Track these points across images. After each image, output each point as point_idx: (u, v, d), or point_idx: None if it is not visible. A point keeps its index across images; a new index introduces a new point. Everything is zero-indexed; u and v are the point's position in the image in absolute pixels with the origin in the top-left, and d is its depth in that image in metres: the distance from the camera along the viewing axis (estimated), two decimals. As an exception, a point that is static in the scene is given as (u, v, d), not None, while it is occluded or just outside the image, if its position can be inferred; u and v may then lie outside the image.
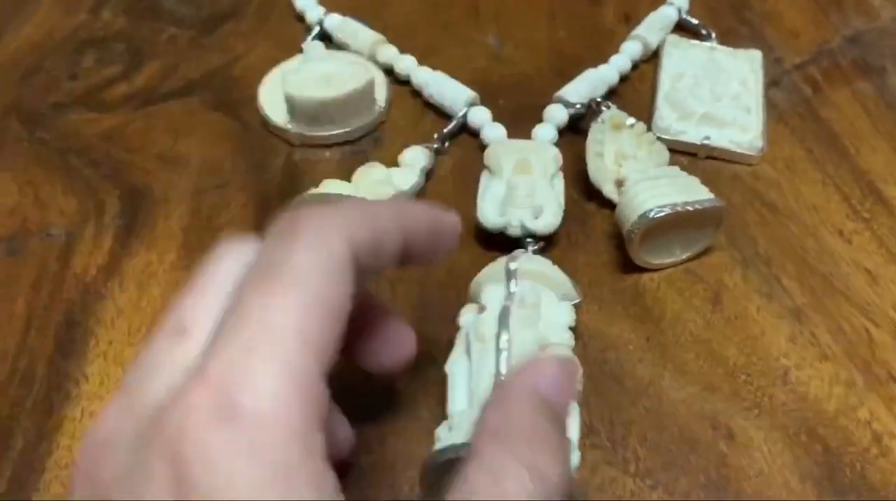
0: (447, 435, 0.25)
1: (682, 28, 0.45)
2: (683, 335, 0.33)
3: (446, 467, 0.25)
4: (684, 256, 0.35)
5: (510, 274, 0.29)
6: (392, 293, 0.34)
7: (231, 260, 0.23)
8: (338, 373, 0.31)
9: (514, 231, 0.34)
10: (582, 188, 0.38)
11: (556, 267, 0.31)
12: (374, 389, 0.31)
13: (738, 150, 0.39)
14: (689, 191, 0.33)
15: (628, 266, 0.35)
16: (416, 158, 0.37)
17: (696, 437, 0.30)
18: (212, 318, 0.21)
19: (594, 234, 0.36)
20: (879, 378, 0.31)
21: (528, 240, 0.34)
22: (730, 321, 0.33)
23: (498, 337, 0.27)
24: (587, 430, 0.30)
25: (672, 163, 0.38)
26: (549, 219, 0.34)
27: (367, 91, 0.39)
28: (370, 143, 0.40)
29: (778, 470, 0.29)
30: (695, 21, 0.45)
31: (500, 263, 0.30)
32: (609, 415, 0.30)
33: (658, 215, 0.32)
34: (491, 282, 0.30)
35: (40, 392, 0.31)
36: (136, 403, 0.20)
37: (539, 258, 0.32)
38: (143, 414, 0.19)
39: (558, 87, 0.41)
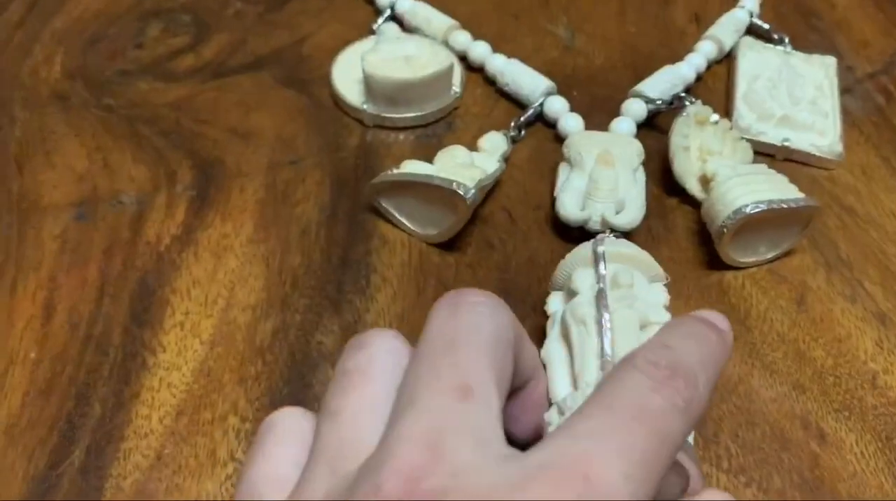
0: (559, 420, 0.25)
1: (752, 32, 0.45)
2: (770, 334, 0.32)
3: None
4: (769, 255, 0.34)
5: (598, 257, 0.29)
6: (474, 276, 0.33)
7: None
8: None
9: (595, 225, 0.33)
10: (662, 183, 0.37)
11: (642, 250, 0.31)
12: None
13: (818, 154, 0.38)
14: (782, 189, 0.33)
15: (712, 263, 0.34)
16: (496, 144, 0.37)
17: (788, 436, 0.29)
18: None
19: (676, 230, 0.36)
20: (968, 386, 0.31)
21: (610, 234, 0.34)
22: (815, 322, 0.33)
23: (599, 317, 0.26)
24: (678, 424, 0.29)
25: (754, 163, 0.37)
26: (632, 214, 0.33)
27: (447, 75, 0.38)
28: (444, 128, 0.39)
29: (872, 473, 0.28)
30: (766, 25, 0.45)
31: (586, 247, 0.30)
32: (699, 410, 0.30)
33: (754, 211, 0.31)
34: (580, 267, 0.29)
35: (117, 360, 0.30)
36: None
37: (625, 241, 0.32)
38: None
39: (632, 82, 0.40)
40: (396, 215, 0.35)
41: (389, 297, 0.32)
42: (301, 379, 0.30)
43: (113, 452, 0.28)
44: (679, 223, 0.36)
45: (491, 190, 0.36)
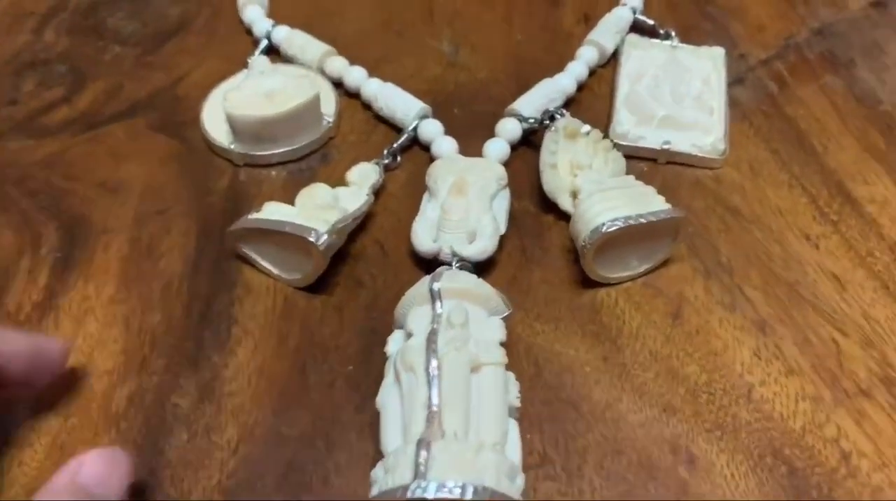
0: (383, 478, 0.24)
1: (637, 29, 0.44)
2: (642, 353, 0.31)
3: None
4: (642, 269, 0.33)
5: (434, 295, 0.28)
6: (339, 318, 0.32)
7: None
8: (284, 411, 0.30)
9: (447, 257, 0.32)
10: (539, 201, 0.36)
11: (481, 282, 0.30)
12: (317, 425, 0.29)
13: (700, 154, 0.37)
14: (644, 203, 0.32)
15: (586, 281, 0.33)
16: (364, 176, 0.36)
17: (656, 463, 0.28)
18: None
19: (551, 249, 0.35)
20: (847, 391, 0.30)
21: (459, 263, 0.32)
22: (691, 336, 0.32)
23: (427, 364, 0.26)
24: (540, 459, 0.28)
25: (631, 169, 0.36)
26: (482, 243, 0.32)
27: (313, 106, 0.37)
28: (318, 160, 0.39)
29: (741, 496, 0.27)
30: (651, 21, 0.44)
31: (423, 284, 0.29)
32: (564, 443, 0.29)
33: (610, 229, 0.30)
34: (415, 306, 0.28)
35: (-31, 440, 0.30)
36: None
37: (463, 274, 0.30)
38: None
39: (516, 94, 0.39)
40: (260, 261, 0.34)
41: (250, 350, 0.32)
42: (154, 445, 0.29)
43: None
44: (555, 241, 0.35)
45: (363, 222, 0.35)
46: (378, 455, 0.28)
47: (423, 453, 0.23)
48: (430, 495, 0.22)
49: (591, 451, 0.29)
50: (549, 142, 0.35)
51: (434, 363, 0.25)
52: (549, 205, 0.36)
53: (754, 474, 0.28)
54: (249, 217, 0.33)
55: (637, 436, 0.29)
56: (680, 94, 0.39)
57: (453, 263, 0.32)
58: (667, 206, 0.32)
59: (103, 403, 0.30)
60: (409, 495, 0.22)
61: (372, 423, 0.29)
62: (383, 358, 0.30)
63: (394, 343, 0.29)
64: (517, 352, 0.31)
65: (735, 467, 0.28)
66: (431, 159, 0.38)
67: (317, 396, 0.30)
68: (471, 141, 0.38)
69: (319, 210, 0.33)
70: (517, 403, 0.27)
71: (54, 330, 0.32)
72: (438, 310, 0.28)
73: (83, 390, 0.31)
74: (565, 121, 0.36)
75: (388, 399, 0.27)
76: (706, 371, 0.31)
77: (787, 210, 0.36)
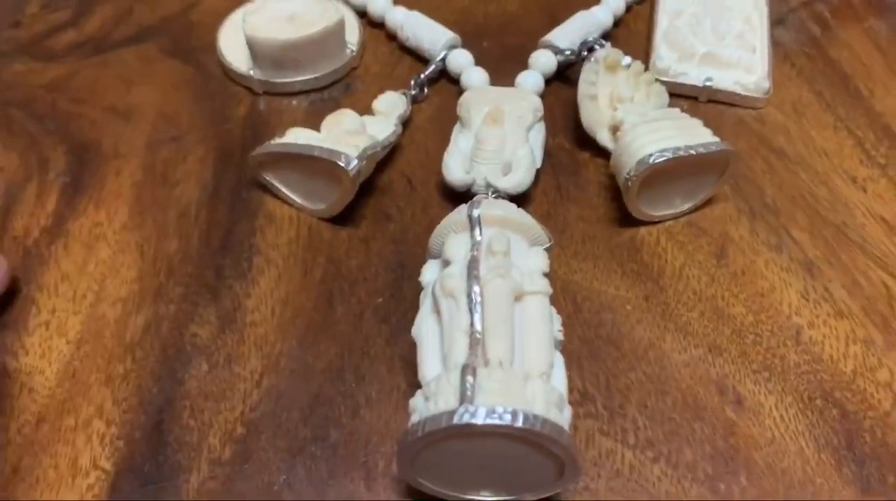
0: (424, 406, 0.23)
1: (679, -36, 0.42)
2: (686, 293, 0.30)
3: (424, 441, 0.22)
4: (685, 207, 0.32)
5: (474, 222, 0.26)
6: (366, 251, 0.31)
7: None
8: (311, 342, 0.28)
9: (480, 189, 0.31)
10: (574, 136, 0.35)
11: (522, 211, 0.28)
12: (345, 357, 0.28)
13: (743, 93, 0.36)
14: (693, 135, 0.30)
15: (625, 219, 0.32)
16: (391, 106, 0.34)
17: (702, 403, 0.27)
18: None
19: (588, 187, 0.33)
20: (900, 335, 0.29)
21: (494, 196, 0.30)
22: (736, 276, 0.30)
23: (469, 290, 0.24)
24: (580, 397, 0.27)
25: (671, 106, 0.34)
26: (519, 176, 0.31)
27: (337, 32, 0.35)
28: (341, 91, 0.37)
29: (791, 438, 0.26)
30: (692, -44, 0.42)
31: (461, 212, 0.27)
32: (605, 381, 0.27)
33: (658, 160, 0.29)
34: (453, 233, 0.27)
35: (-25, 366, 0.28)
36: None
37: (503, 202, 0.29)
38: None
39: (548, 28, 0.37)
40: (283, 189, 0.32)
41: (273, 280, 0.30)
42: (173, 375, 0.27)
43: (-33, 473, 0.26)
44: (592, 178, 0.33)
45: (389, 155, 0.34)
46: (411, 388, 0.27)
47: (469, 378, 0.22)
48: (479, 420, 0.21)
49: (633, 390, 0.27)
50: (588, 72, 0.33)
51: (476, 289, 0.24)
52: (585, 142, 0.34)
53: (804, 416, 0.27)
54: (273, 142, 0.31)
55: (682, 376, 0.28)
56: (721, 32, 0.37)
57: (488, 195, 0.30)
58: (716, 139, 0.30)
59: (117, 331, 0.29)
60: (455, 420, 0.21)
61: (403, 356, 0.28)
62: (413, 292, 0.29)
63: (429, 272, 0.27)
64: (555, 290, 0.29)
65: (784, 409, 0.27)
66: (460, 92, 0.36)
67: (345, 328, 0.29)
68: (501, 74, 0.36)
69: (348, 135, 0.31)
70: (560, 336, 0.26)
71: (64, 255, 0.31)
72: (478, 238, 0.26)
73: (95, 317, 0.29)
74: (606, 52, 0.34)
75: (425, 328, 0.25)
76: (752, 311, 0.29)
77: (833, 152, 0.34)
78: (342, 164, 0.29)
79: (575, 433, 0.26)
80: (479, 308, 0.23)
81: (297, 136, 0.31)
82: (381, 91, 0.35)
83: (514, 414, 0.21)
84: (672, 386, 0.27)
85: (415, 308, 0.28)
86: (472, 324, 0.23)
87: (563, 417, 0.23)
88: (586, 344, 0.28)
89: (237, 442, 0.26)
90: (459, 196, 0.32)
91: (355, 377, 0.27)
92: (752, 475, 0.25)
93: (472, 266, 0.25)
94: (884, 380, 0.28)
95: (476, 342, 0.23)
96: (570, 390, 0.27)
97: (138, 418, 0.26)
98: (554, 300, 0.29)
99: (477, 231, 0.26)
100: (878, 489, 0.25)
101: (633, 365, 0.28)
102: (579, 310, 0.29)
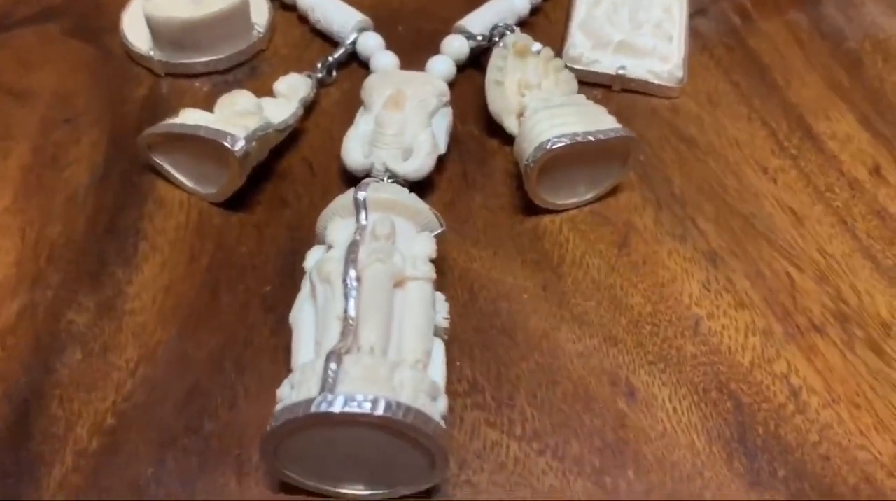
0: (289, 394, 0.22)
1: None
2: (584, 282, 0.29)
3: (283, 430, 0.21)
4: (589, 195, 0.31)
5: (359, 205, 0.25)
6: (258, 237, 0.30)
7: None
8: (192, 331, 0.27)
9: (379, 174, 0.30)
10: (484, 124, 0.34)
11: (413, 195, 0.27)
12: (227, 348, 0.27)
13: (657, 82, 0.35)
14: (594, 121, 0.29)
15: (529, 208, 0.31)
16: (293, 88, 0.33)
17: (593, 394, 0.26)
18: None
19: (494, 174, 0.32)
20: (800, 326, 0.28)
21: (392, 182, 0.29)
22: (637, 266, 0.30)
23: (345, 274, 0.23)
24: (469, 387, 0.26)
25: (584, 95, 0.34)
26: (419, 161, 0.30)
27: (241, 12, 0.34)
28: (246, 73, 0.36)
29: (683, 431, 0.26)
30: (615, -56, 0.41)
31: (348, 195, 0.26)
32: (496, 371, 0.27)
33: (556, 146, 0.28)
34: (338, 217, 0.26)
35: None
36: None
37: (393, 186, 0.28)
38: None
39: (465, 13, 0.36)
40: (173, 172, 0.31)
41: (158, 266, 0.29)
42: (44, 364, 0.26)
43: None
44: (499, 166, 0.33)
45: (291, 140, 0.32)
46: (291, 378, 0.26)
47: (333, 365, 0.21)
48: (336, 409, 0.20)
49: (523, 380, 0.26)
50: (496, 58, 0.32)
51: (353, 274, 0.23)
52: (494, 129, 0.33)
53: (698, 408, 0.26)
54: (163, 122, 0.30)
55: (575, 366, 0.27)
56: (639, 21, 0.37)
57: (383, 180, 0.29)
58: (618, 126, 0.29)
59: (-11, 318, 0.27)
60: (312, 409, 0.20)
61: (288, 346, 0.26)
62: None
63: (311, 257, 0.26)
64: (451, 278, 0.29)
65: (678, 401, 0.26)
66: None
67: (229, 317, 0.27)
68: (414, 59, 0.35)
69: (239, 117, 0.30)
70: (445, 323, 0.25)
71: (-61, 239, 0.29)
72: (363, 222, 0.25)
73: (-33, 304, 0.28)
74: (515, 37, 0.33)
75: (301, 314, 0.24)
76: (651, 302, 0.29)
77: (745, 142, 0.34)
78: (228, 145, 0.28)
79: (460, 424, 0.25)
80: (354, 293, 0.22)
81: (188, 117, 0.30)
82: (290, 73, 0.34)
83: (375, 402, 0.20)
84: (564, 377, 0.27)
85: (305, 296, 0.27)
86: (346, 310, 0.22)
87: (435, 407, 0.22)
88: (479, 334, 0.27)
89: (106, 434, 0.25)
90: (360, 180, 0.31)
91: (236, 368, 0.26)
92: (640, 468, 0.25)
93: (351, 250, 0.24)
94: (780, 372, 0.27)
95: (349, 328, 0.22)
96: (459, 380, 0.26)
97: (2, 409, 0.25)
98: (451, 287, 0.28)
99: (362, 215, 0.25)
100: (768, 482, 0.25)
101: (525, 355, 0.27)
102: (475, 299, 0.28)
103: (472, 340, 0.27)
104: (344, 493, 0.23)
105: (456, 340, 0.27)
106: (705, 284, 0.29)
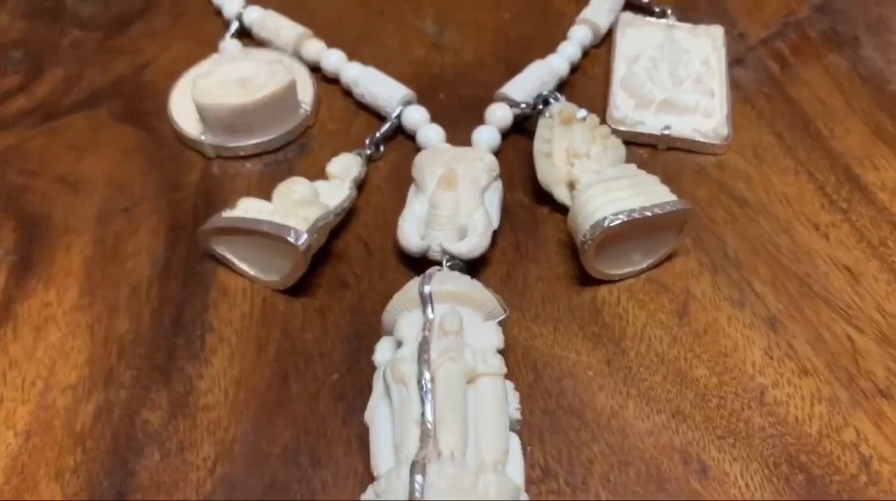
0: (375, 504, 0.22)
1: (631, 7, 0.41)
2: (648, 355, 0.29)
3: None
4: (645, 264, 0.31)
5: (425, 299, 0.26)
6: (322, 322, 0.30)
7: None
8: (265, 425, 0.27)
9: (436, 255, 0.30)
10: (533, 192, 0.34)
11: (476, 283, 0.28)
12: (301, 440, 0.27)
13: (703, 140, 0.35)
14: (648, 194, 0.30)
15: (585, 278, 0.31)
16: (346, 168, 0.33)
17: (665, 474, 0.26)
18: None
19: (547, 244, 0.33)
20: (865, 391, 0.28)
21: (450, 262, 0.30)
22: (699, 335, 0.30)
23: (420, 376, 0.23)
24: (542, 473, 0.26)
25: (630, 156, 0.34)
26: (474, 240, 0.30)
27: (288, 93, 0.35)
28: (296, 151, 0.36)
29: (758, 508, 0.26)
30: (645, -1, 0.41)
31: (412, 288, 0.27)
32: (568, 454, 0.27)
33: (613, 224, 0.28)
34: (405, 311, 0.26)
35: (-80, 464, 0.27)
36: None
37: (456, 275, 0.28)
38: None
39: (504, 78, 0.37)
40: (235, 262, 0.31)
41: (226, 359, 0.29)
42: (124, 466, 0.27)
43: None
44: (551, 235, 0.33)
45: (345, 219, 0.33)
46: (367, 471, 0.26)
47: (419, 477, 0.21)
48: (428, 525, 0.20)
49: (596, 463, 0.27)
50: (542, 129, 0.33)
51: (427, 375, 0.23)
52: (543, 197, 0.33)
53: (770, 483, 0.26)
54: (223, 215, 0.30)
55: (645, 445, 0.27)
56: (679, 77, 0.37)
57: (444, 261, 0.30)
58: (673, 198, 0.30)
59: (67, 420, 0.28)
60: (405, 525, 0.20)
61: (360, 436, 0.27)
62: (370, 365, 0.28)
63: (381, 351, 0.27)
64: (514, 357, 0.29)
65: (750, 476, 0.26)
66: (417, 148, 0.35)
67: (300, 408, 0.28)
68: (458, 128, 0.36)
69: (298, 206, 0.30)
70: (518, 415, 0.25)
71: (13, 339, 0.30)
72: (430, 316, 0.26)
73: (44, 405, 0.28)
74: (560, 106, 0.33)
75: (377, 414, 0.25)
76: (716, 373, 0.29)
77: (794, 198, 0.34)
78: (292, 240, 0.28)
79: (536, 512, 0.26)
80: (429, 396, 0.23)
81: (248, 208, 0.30)
82: (338, 149, 0.35)
83: (464, 515, 0.20)
84: (635, 457, 0.27)
85: (371, 383, 0.27)
86: (423, 414, 0.23)
87: (518, 508, 0.22)
88: (548, 416, 0.28)
89: (190, 537, 0.25)
90: (417, 260, 0.31)
91: (311, 461, 0.27)
92: (719, 549, 0.25)
93: (423, 348, 0.24)
94: (850, 441, 0.27)
95: (427, 433, 0.22)
96: (532, 465, 0.26)
97: (88, 514, 0.26)
98: (515, 367, 0.29)
99: (429, 308, 0.26)
100: (846, 557, 0.25)
101: (595, 435, 0.27)
102: (540, 378, 0.29)
103: (541, 423, 0.27)
104: None
105: (525, 423, 0.27)
106: (767, 351, 0.29)
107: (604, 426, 0.28)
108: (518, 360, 0.29)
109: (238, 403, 0.28)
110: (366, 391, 0.27)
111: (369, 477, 0.25)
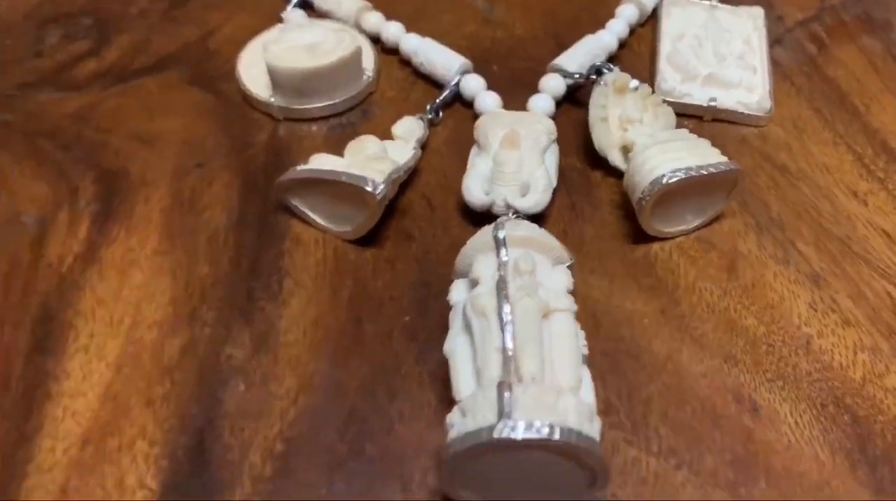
0: (461, 421, 0.24)
1: (678, -13, 0.43)
2: (699, 306, 0.31)
3: (465, 455, 0.23)
4: (697, 223, 0.33)
5: (499, 243, 0.27)
6: (392, 271, 0.32)
7: None
8: (343, 361, 0.29)
9: (500, 210, 0.32)
10: (586, 157, 0.36)
11: (544, 231, 0.29)
12: (377, 375, 0.29)
13: (747, 112, 0.37)
14: (703, 155, 0.31)
15: (638, 236, 0.33)
16: (410, 130, 0.35)
17: (720, 412, 0.28)
18: None
19: (601, 205, 0.34)
20: (905, 343, 0.30)
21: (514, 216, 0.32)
22: (746, 289, 0.32)
23: (500, 309, 0.25)
24: (604, 407, 0.28)
25: (677, 126, 0.36)
26: (536, 196, 0.32)
27: (355, 60, 0.37)
28: (359, 116, 0.38)
29: (807, 443, 0.28)
30: (691, -20, 0.43)
31: (486, 233, 0.28)
32: (627, 392, 0.29)
33: (672, 180, 0.30)
34: (480, 254, 0.28)
35: (18, 392, 0.29)
36: None
37: (526, 223, 0.30)
38: None
39: (554, 52, 0.39)
40: (308, 213, 0.33)
41: (304, 301, 0.31)
42: (212, 395, 0.28)
43: (15, 492, 0.26)
44: (604, 197, 0.35)
45: (408, 178, 0.35)
46: (442, 404, 0.28)
47: (507, 394, 0.23)
48: (518, 435, 0.22)
49: (654, 400, 0.28)
50: (598, 96, 0.35)
51: (507, 308, 0.25)
52: (596, 162, 0.35)
53: (818, 422, 0.28)
54: (300, 167, 0.32)
55: (699, 386, 0.29)
56: (722, 54, 0.39)
57: (508, 215, 0.31)
58: (725, 159, 0.32)
59: (154, 354, 0.30)
60: (496, 435, 0.22)
61: (433, 373, 0.29)
62: (439, 310, 0.30)
63: (456, 292, 0.28)
64: (574, 305, 0.31)
65: (799, 415, 0.28)
66: (474, 115, 0.37)
67: (374, 347, 0.30)
68: (512, 98, 0.37)
69: (372, 161, 0.32)
70: (585, 351, 0.27)
71: (98, 281, 0.32)
72: (504, 258, 0.27)
73: (133, 340, 0.30)
74: (614, 75, 0.35)
75: (457, 346, 0.26)
76: (764, 323, 0.31)
77: (834, 167, 0.36)
78: (370, 189, 0.30)
79: (602, 443, 0.27)
80: (509, 327, 0.25)
81: (323, 162, 0.32)
82: (398, 115, 0.36)
83: (552, 428, 0.22)
84: (691, 396, 0.29)
85: (441, 326, 0.29)
86: (503, 342, 0.24)
87: (593, 428, 0.24)
88: (608, 357, 0.30)
89: (277, 459, 0.27)
90: (479, 216, 0.33)
91: (387, 394, 0.29)
92: (771, 480, 0.27)
93: (501, 286, 0.26)
94: (892, 386, 0.29)
95: (508, 359, 0.24)
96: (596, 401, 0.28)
97: (180, 438, 0.27)
98: (576, 316, 0.30)
99: (503, 251, 0.28)
100: (890, 490, 0.27)
101: (652, 376, 0.29)
102: (599, 325, 0.30)
103: (602, 364, 0.29)
104: (505, 509, 0.25)
105: (588, 364, 0.29)
106: (811, 304, 0.31)
107: (660, 368, 0.29)
108: (578, 308, 0.31)
109: (316, 341, 0.30)
110: (436, 333, 0.29)
111: (444, 409, 0.27)
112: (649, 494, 0.26)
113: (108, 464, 0.27)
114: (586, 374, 0.26)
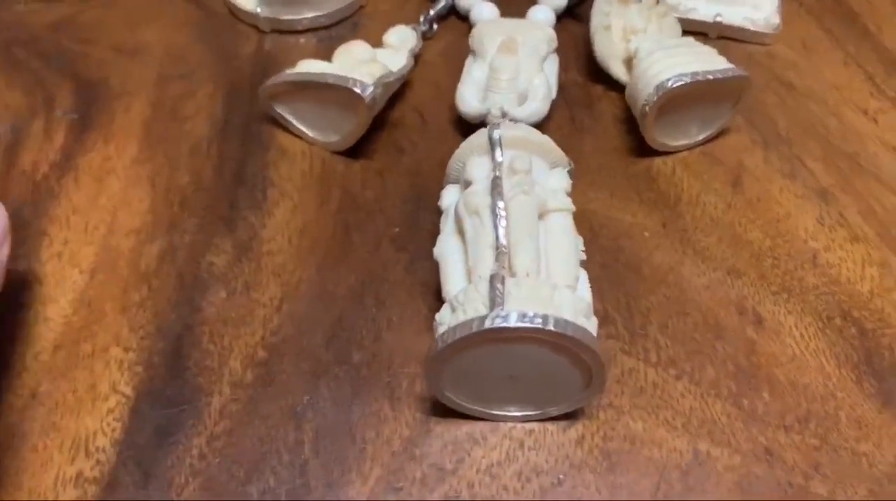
0: (451, 317, 0.22)
1: None
2: (703, 219, 0.30)
3: (454, 348, 0.22)
4: (701, 136, 0.32)
5: (494, 143, 0.26)
6: (381, 183, 0.31)
7: None
8: (330, 269, 0.28)
9: (495, 119, 0.30)
10: (587, 71, 0.34)
11: (541, 133, 0.28)
12: (365, 284, 0.28)
13: (753, 28, 0.36)
14: (708, 61, 0.30)
15: (640, 150, 0.32)
16: (402, 39, 0.33)
17: (722, 324, 0.27)
18: None
19: (602, 119, 0.33)
20: (915, 258, 0.29)
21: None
22: (752, 203, 0.30)
23: (494, 205, 0.24)
24: (602, 318, 0.27)
25: (682, 41, 0.34)
26: (535, 104, 0.30)
27: (345, -32, 0.35)
28: (349, 28, 0.36)
29: (812, 355, 0.26)
30: None
31: (481, 135, 0.27)
32: (626, 303, 0.27)
33: (677, 84, 0.29)
34: (474, 155, 0.27)
35: (-12, 296, 0.27)
36: None
37: (523, 125, 0.29)
38: None
39: (554, -32, 0.37)
40: (294, 122, 0.32)
41: (289, 211, 0.30)
42: (190, 302, 0.27)
43: (-16, 396, 0.25)
44: (606, 111, 0.33)
45: (400, 90, 0.33)
46: (431, 312, 0.27)
47: (499, 286, 0.22)
48: (511, 323, 0.21)
49: (654, 312, 0.27)
50: (601, 3, 0.33)
51: (501, 204, 0.24)
52: (598, 76, 0.34)
53: (823, 334, 0.27)
54: (285, 72, 0.31)
55: (702, 298, 0.28)
56: (730, -30, 0.37)
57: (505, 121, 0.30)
58: (732, 65, 0.30)
59: (131, 260, 0.28)
60: (487, 324, 0.21)
61: (423, 282, 0.28)
62: (430, 222, 0.29)
63: (448, 196, 0.27)
64: (571, 217, 0.30)
65: (804, 327, 0.27)
66: (469, 28, 0.35)
67: (363, 255, 0.28)
68: (510, 11, 0.36)
69: (361, 64, 0.30)
70: (583, 256, 0.26)
71: (74, 189, 0.30)
72: (499, 158, 0.26)
73: (108, 247, 0.29)
74: (618, -15, 0.34)
75: (447, 248, 0.25)
76: (769, 236, 0.29)
77: (843, 86, 0.34)
78: (357, 91, 0.29)
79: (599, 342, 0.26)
80: (503, 222, 0.23)
81: (310, 67, 0.31)
82: (390, 28, 0.35)
83: (545, 318, 0.21)
84: (692, 308, 0.27)
85: (431, 238, 0.27)
86: (497, 239, 0.23)
87: (590, 325, 0.23)
88: (605, 269, 0.28)
89: (259, 365, 0.26)
90: (473, 128, 0.31)
91: (376, 302, 0.27)
92: (775, 391, 0.26)
93: (496, 184, 0.25)
94: (901, 300, 0.28)
95: (502, 255, 0.23)
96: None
97: (156, 344, 0.26)
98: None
99: (498, 152, 0.26)
100: (897, 403, 0.25)
101: (652, 288, 0.28)
102: (597, 237, 0.29)
103: (600, 275, 0.28)
104: (496, 414, 0.24)
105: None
106: (819, 219, 0.30)
107: (661, 280, 0.28)
108: (575, 220, 0.29)
109: (302, 250, 0.29)
110: (426, 244, 0.28)
111: (433, 317, 0.25)
112: (647, 403, 0.25)
113: (80, 369, 0.26)
114: (583, 276, 0.25)
